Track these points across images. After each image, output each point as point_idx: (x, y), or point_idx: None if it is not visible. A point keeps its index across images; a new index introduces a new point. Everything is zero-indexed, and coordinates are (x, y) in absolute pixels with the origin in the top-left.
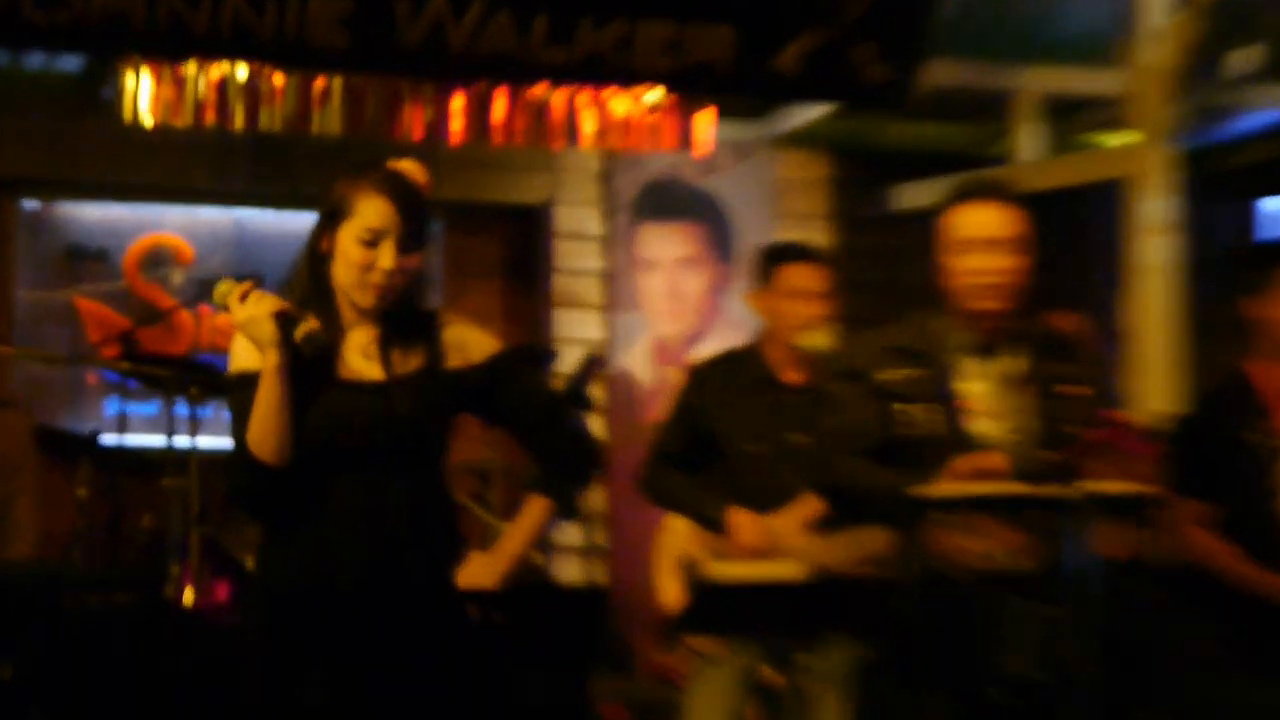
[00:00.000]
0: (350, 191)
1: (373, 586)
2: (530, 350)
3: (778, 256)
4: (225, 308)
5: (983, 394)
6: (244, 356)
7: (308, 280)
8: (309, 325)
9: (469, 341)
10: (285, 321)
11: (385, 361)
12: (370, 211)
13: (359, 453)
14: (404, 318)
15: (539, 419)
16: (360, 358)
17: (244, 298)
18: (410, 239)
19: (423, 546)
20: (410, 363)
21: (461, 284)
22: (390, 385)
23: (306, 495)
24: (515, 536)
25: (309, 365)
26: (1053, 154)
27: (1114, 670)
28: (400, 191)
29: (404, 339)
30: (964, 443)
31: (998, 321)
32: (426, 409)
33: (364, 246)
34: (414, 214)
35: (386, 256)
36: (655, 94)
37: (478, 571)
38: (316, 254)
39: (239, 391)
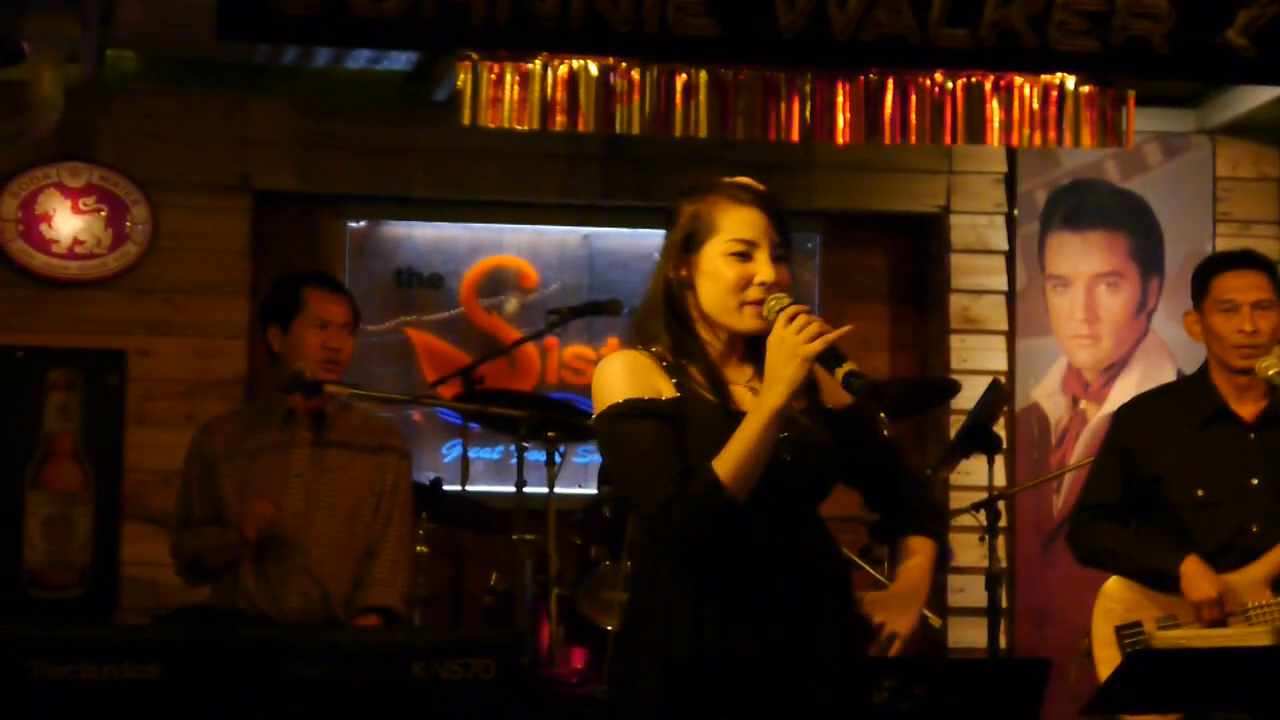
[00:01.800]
0: (705, 208)
1: (789, 651)
2: (927, 385)
3: (1210, 266)
4: (768, 319)
5: None
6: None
7: (665, 315)
8: (850, 365)
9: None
10: (825, 361)
11: None
12: (737, 222)
13: (768, 500)
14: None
15: (894, 468)
16: (748, 392)
17: (793, 319)
18: (781, 248)
19: (838, 608)
20: (797, 400)
21: (841, 306)
22: (795, 423)
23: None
24: (919, 573)
25: (697, 401)
26: None
27: None
28: (764, 196)
29: None
30: None
31: None
32: (830, 450)
33: (737, 261)
34: (781, 220)
35: (764, 268)
36: (1074, 79)
37: (892, 612)
38: (671, 284)
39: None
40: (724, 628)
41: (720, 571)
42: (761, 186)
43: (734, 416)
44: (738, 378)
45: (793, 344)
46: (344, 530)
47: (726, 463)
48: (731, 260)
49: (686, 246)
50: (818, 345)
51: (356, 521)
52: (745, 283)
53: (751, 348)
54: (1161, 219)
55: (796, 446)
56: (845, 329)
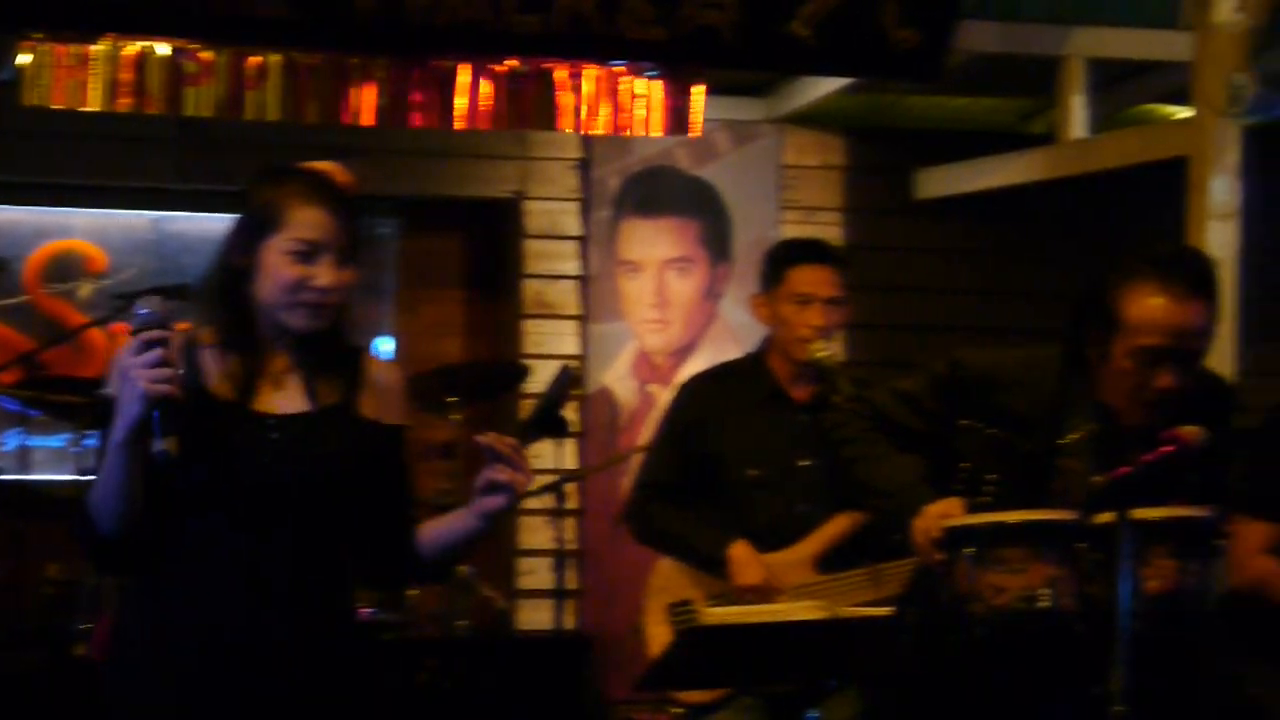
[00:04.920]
0: (278, 199)
1: (250, 644)
2: (496, 369)
3: (786, 256)
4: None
5: None
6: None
7: (221, 301)
8: (171, 443)
9: (390, 395)
10: (164, 410)
11: (310, 391)
12: (303, 222)
13: (250, 493)
14: (326, 344)
15: (404, 515)
16: (273, 387)
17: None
18: (349, 251)
19: (306, 608)
20: (331, 395)
21: (417, 292)
22: (309, 418)
23: (175, 539)
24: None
25: (208, 398)
26: (1104, 130)
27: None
28: (336, 197)
29: (325, 367)
30: None
31: None
32: (345, 448)
33: (297, 261)
34: (352, 223)
35: (325, 273)
36: (644, 67)
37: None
38: (231, 270)
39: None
40: (177, 644)
41: (169, 568)
42: (344, 179)
43: (249, 415)
44: (280, 370)
45: (140, 380)
46: None
47: (93, 488)
48: (292, 260)
49: (253, 234)
50: (163, 392)
51: None
52: (300, 285)
53: (301, 342)
54: (730, 205)
55: (276, 446)
56: (167, 391)
